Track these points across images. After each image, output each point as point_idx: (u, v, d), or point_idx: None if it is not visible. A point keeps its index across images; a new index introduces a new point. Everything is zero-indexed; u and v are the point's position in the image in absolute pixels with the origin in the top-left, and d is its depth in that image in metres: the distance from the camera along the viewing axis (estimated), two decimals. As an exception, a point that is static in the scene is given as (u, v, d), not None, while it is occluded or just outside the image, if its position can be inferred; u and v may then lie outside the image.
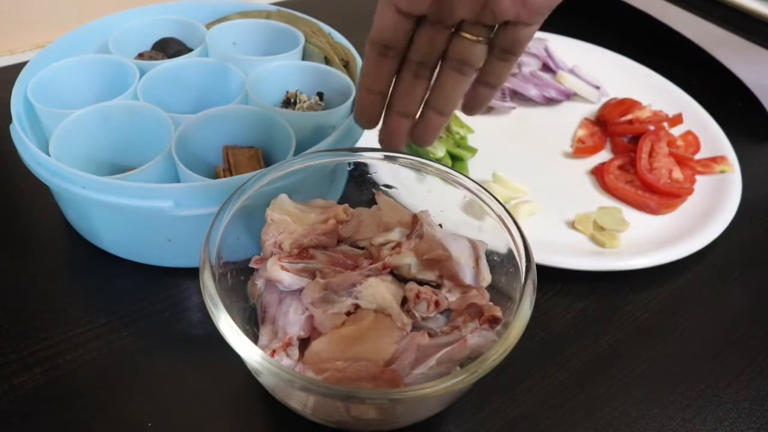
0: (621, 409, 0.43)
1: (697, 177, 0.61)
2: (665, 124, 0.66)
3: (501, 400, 0.42)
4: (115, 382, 0.41)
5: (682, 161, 0.62)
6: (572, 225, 0.55)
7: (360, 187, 0.46)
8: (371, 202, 0.44)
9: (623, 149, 0.64)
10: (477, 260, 0.40)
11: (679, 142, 0.65)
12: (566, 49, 0.75)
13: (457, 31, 0.38)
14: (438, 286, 0.40)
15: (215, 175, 0.50)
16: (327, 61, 0.58)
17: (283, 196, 0.41)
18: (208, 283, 0.34)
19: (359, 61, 0.57)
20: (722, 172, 0.61)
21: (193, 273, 0.47)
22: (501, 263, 0.40)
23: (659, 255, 0.51)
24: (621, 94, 0.71)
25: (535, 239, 0.40)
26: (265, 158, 0.51)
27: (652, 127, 0.64)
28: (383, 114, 0.43)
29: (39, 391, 0.40)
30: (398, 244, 0.40)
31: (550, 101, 0.71)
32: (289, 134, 0.48)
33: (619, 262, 0.51)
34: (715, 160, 0.62)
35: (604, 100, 0.71)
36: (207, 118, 0.49)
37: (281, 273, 0.38)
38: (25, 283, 0.47)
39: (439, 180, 0.43)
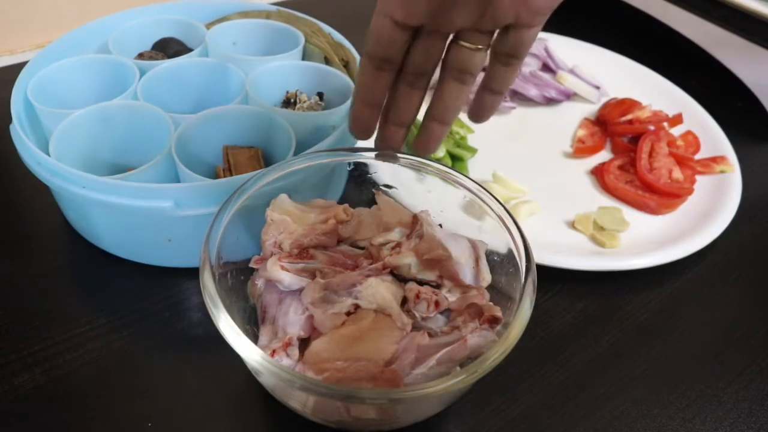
0: (621, 409, 0.43)
1: (697, 177, 0.61)
2: (665, 124, 0.66)
3: (501, 400, 0.42)
4: (115, 382, 0.41)
5: (682, 161, 0.62)
6: (572, 225, 0.55)
7: (360, 187, 0.46)
8: (371, 202, 0.44)
9: (623, 149, 0.64)
10: (477, 260, 0.40)
11: (679, 142, 0.65)
12: (566, 49, 0.75)
13: (455, 40, 0.38)
14: (438, 286, 0.40)
15: (215, 175, 0.50)
16: (327, 61, 0.58)
17: (283, 196, 0.41)
18: (208, 283, 0.34)
19: (359, 61, 0.57)
20: (722, 172, 0.61)
21: (193, 273, 0.47)
22: (501, 263, 0.40)
23: (659, 255, 0.51)
24: (621, 94, 0.71)
25: (535, 239, 0.40)
26: (265, 158, 0.51)
27: (652, 127, 0.64)
28: (379, 123, 0.42)
29: (39, 391, 0.40)
30: (398, 244, 0.40)
31: (550, 101, 0.71)
32: (289, 134, 0.48)
33: (619, 262, 0.51)
34: (715, 160, 0.62)
35: (604, 100, 0.71)
36: (207, 118, 0.49)
37: (281, 273, 0.38)
38: (25, 283, 0.47)
39: (439, 180, 0.43)
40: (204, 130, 0.49)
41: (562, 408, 0.42)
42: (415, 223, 0.41)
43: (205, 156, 0.50)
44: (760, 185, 0.63)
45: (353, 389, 0.32)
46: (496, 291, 0.40)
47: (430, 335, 0.37)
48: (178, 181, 0.47)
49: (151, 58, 0.56)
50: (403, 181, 0.45)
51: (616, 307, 0.50)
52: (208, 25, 0.61)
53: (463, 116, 0.52)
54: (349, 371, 0.35)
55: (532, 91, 0.70)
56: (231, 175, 0.48)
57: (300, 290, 0.38)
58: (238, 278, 0.39)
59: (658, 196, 0.58)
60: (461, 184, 0.42)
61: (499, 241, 0.40)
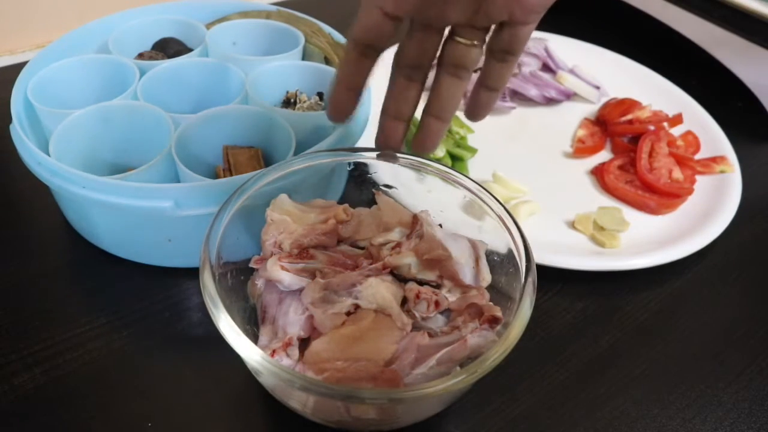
0: (621, 409, 0.43)
1: (697, 177, 0.61)
2: (665, 124, 0.66)
3: (501, 400, 0.42)
4: (115, 382, 0.41)
5: (682, 161, 0.62)
6: (572, 225, 0.55)
7: (360, 187, 0.46)
8: (371, 202, 0.44)
9: (623, 149, 0.64)
10: (477, 260, 0.40)
11: (679, 142, 0.65)
12: (566, 49, 0.75)
13: (451, 36, 0.38)
14: (438, 286, 0.40)
15: (215, 175, 0.50)
16: (327, 61, 0.58)
17: (283, 196, 0.41)
18: (208, 283, 0.34)
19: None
20: (722, 172, 0.61)
21: (193, 273, 0.47)
22: (501, 263, 0.40)
23: (659, 255, 0.51)
24: (621, 94, 0.70)
25: (535, 239, 0.40)
26: (265, 158, 0.51)
27: (652, 127, 0.64)
28: (379, 119, 0.42)
29: (39, 391, 0.40)
30: (398, 244, 0.40)
31: (550, 101, 0.71)
32: (289, 134, 0.48)
33: (619, 262, 0.51)
34: (715, 160, 0.62)
35: (604, 100, 0.71)
36: (207, 118, 0.49)
37: (281, 273, 0.38)
38: (25, 283, 0.47)
39: (439, 180, 0.43)
40: (204, 130, 0.49)
41: (562, 408, 0.42)
42: (415, 223, 0.41)
43: (205, 156, 0.50)
44: (760, 185, 0.63)
45: (353, 389, 0.32)
46: (496, 291, 0.40)
47: (430, 335, 0.37)
48: (178, 181, 0.47)
49: (151, 58, 0.56)
50: (403, 181, 0.45)
51: (616, 307, 0.50)
52: (208, 25, 0.61)
53: (463, 116, 0.52)
54: (349, 371, 0.35)
55: (532, 91, 0.70)
56: (231, 175, 0.48)
57: (300, 290, 0.38)
58: (238, 278, 0.39)
59: (658, 196, 0.58)
60: (461, 184, 0.42)
61: (499, 241, 0.40)
